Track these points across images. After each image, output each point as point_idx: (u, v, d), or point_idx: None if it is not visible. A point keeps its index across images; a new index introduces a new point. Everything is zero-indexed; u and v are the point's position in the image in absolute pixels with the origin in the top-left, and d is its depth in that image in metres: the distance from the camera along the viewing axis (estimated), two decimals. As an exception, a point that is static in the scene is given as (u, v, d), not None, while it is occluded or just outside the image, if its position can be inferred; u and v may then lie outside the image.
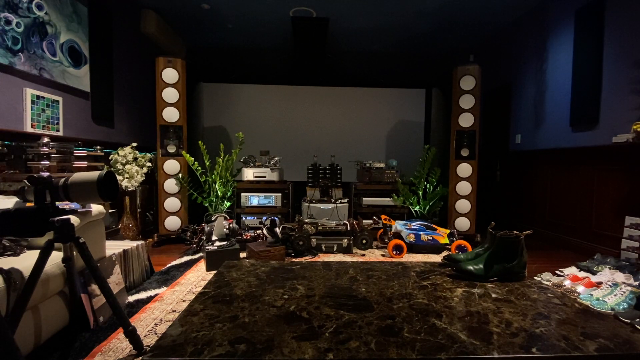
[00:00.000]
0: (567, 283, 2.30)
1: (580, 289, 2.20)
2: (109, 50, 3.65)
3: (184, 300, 2.08)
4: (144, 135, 4.39)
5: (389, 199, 4.01)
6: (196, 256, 3.07)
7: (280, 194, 3.99)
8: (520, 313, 1.07)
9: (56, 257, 1.44)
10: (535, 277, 2.22)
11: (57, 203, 1.23)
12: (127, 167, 3.23)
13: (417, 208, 3.85)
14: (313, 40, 4.91)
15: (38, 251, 1.26)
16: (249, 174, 3.99)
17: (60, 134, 2.91)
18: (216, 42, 5.48)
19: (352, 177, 4.62)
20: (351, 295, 1.19)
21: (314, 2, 4.13)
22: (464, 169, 3.78)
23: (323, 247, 3.20)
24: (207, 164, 3.67)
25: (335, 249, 3.21)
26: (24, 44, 2.53)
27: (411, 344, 0.88)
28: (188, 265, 2.82)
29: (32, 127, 2.61)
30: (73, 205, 1.57)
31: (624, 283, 2.12)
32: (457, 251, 3.11)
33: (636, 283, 2.15)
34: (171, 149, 3.62)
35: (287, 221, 3.89)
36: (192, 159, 3.62)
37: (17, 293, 1.25)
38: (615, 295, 2.00)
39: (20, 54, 2.50)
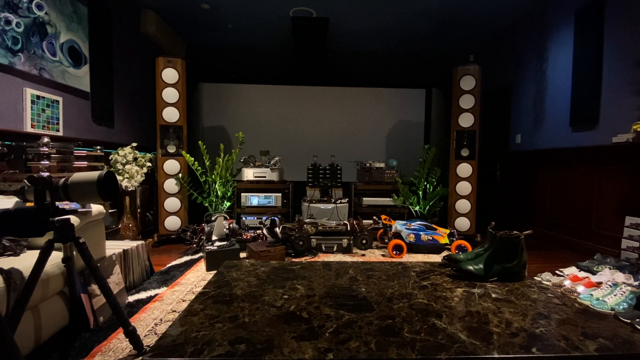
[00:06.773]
0: (567, 283, 2.30)
1: (580, 289, 2.20)
2: (109, 50, 3.65)
3: (184, 300, 2.08)
4: (144, 135, 4.39)
5: (389, 199, 4.01)
6: (196, 256, 3.07)
7: (280, 194, 3.99)
8: (520, 313, 1.07)
9: (56, 257, 1.44)
10: (535, 277, 2.22)
11: (57, 203, 1.23)
12: (127, 167, 3.23)
13: (417, 208, 3.85)
14: (313, 40, 4.92)
15: (38, 251, 1.26)
16: (249, 174, 3.99)
17: (60, 134, 2.91)
18: (216, 42, 5.48)
19: (352, 177, 4.62)
20: (351, 295, 1.19)
21: (314, 2, 4.13)
22: (464, 169, 3.78)
23: (323, 247, 3.20)
24: (207, 164, 3.67)
25: (335, 249, 3.21)
26: (24, 44, 2.53)
27: (411, 344, 0.88)
28: (188, 265, 2.82)
29: (32, 127, 2.60)
30: (73, 205, 1.57)
31: (624, 283, 2.12)
32: (457, 251, 3.11)
33: (636, 283, 2.15)
34: (171, 149, 3.62)
35: (287, 221, 3.89)
36: (192, 159, 3.62)
37: (17, 293, 1.25)
38: (615, 295, 2.00)
39: (20, 54, 2.50)
